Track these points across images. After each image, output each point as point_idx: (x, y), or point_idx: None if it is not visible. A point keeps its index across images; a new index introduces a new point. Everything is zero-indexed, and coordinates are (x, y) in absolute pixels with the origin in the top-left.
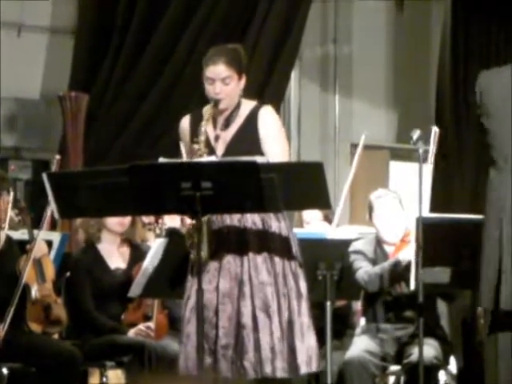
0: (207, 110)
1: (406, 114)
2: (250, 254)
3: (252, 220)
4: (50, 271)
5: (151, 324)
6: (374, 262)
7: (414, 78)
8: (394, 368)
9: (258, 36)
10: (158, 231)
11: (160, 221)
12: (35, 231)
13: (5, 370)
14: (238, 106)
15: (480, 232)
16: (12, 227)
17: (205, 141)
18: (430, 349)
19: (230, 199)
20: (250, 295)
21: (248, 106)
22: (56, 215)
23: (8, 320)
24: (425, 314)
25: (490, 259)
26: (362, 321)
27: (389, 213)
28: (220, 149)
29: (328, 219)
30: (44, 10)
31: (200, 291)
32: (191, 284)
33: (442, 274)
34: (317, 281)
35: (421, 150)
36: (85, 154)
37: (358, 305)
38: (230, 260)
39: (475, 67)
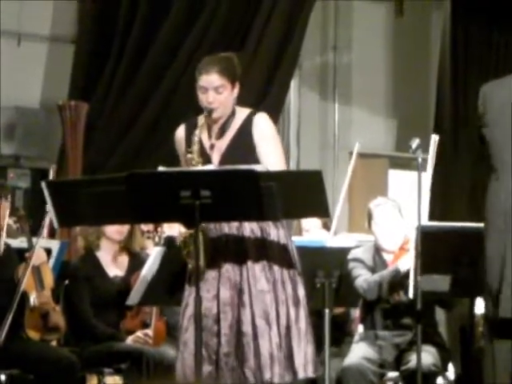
0: (201, 119)
1: (405, 123)
2: (249, 263)
3: (250, 228)
4: (48, 279)
5: (149, 331)
6: (372, 270)
7: (414, 87)
8: (392, 375)
9: (257, 44)
10: (156, 239)
11: (159, 229)
12: (34, 239)
13: (3, 377)
14: (232, 114)
15: (479, 240)
16: (11, 235)
17: (199, 150)
18: (428, 356)
19: (229, 207)
20: (250, 303)
21: (242, 113)
22: (55, 224)
23: (6, 327)
24: (423, 321)
25: (492, 267)
26: (360, 328)
27: (388, 221)
28: (215, 158)
29: (327, 227)
30: (44, 18)
31: (198, 299)
32: (189, 293)
33: (440, 282)
34: (315, 288)
35: (420, 159)
36: (84, 163)
37: (356, 312)
38: (228, 268)
39: (475, 75)
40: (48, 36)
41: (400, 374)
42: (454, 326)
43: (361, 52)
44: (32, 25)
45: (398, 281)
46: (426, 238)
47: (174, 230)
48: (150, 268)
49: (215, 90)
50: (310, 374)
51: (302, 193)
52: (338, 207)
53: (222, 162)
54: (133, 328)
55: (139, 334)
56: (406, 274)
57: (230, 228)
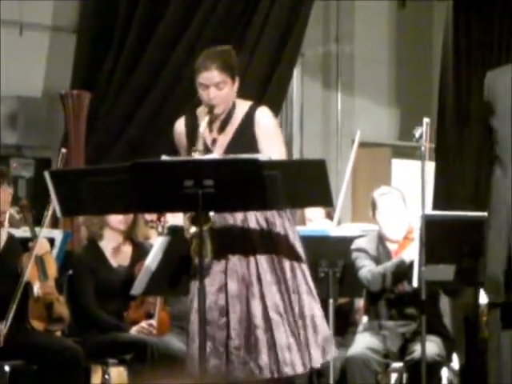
0: (202, 113)
1: (408, 112)
2: (256, 255)
3: (256, 219)
4: (52, 269)
5: (153, 321)
6: (376, 260)
7: (416, 76)
8: (397, 365)
9: (260, 34)
10: (160, 229)
11: (162, 219)
12: (37, 229)
13: (7, 368)
14: (233, 108)
15: (482, 229)
16: (14, 225)
17: (202, 153)
18: (432, 346)
19: (233, 197)
20: (260, 296)
21: (243, 106)
22: (58, 213)
23: (10, 317)
24: (427, 311)
25: (497, 256)
26: (365, 318)
27: (392, 210)
28: (217, 152)
29: (330, 216)
30: (45, 8)
31: (202, 292)
32: (193, 286)
33: (444, 271)
34: (319, 278)
35: (423, 147)
36: (86, 153)
37: (360, 302)
38: (235, 262)
39: (478, 64)
40: (50, 25)
41: (404, 363)
42: (459, 316)
43: (363, 42)
44: (34, 14)
45: (403, 271)
46: (430, 227)
47: (178, 219)
48: (153, 258)
49: (216, 86)
50: (329, 358)
51: (306, 182)
52: (341, 196)
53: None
54: (137, 318)
55: (143, 324)
56: (410, 264)
57: (235, 221)
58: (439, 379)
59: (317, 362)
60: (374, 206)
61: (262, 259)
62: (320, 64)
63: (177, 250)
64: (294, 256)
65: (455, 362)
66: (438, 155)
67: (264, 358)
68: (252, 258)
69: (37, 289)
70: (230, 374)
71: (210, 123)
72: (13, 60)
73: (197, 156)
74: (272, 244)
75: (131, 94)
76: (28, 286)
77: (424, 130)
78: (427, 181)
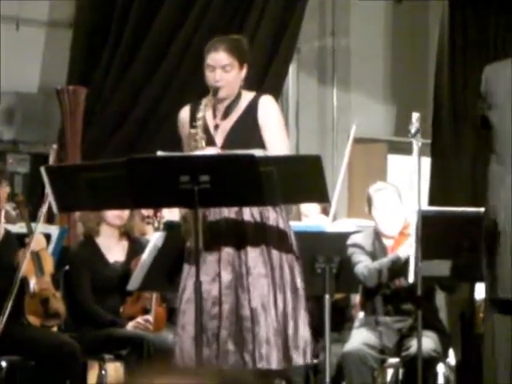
0: (206, 100)
1: (403, 107)
2: (248, 247)
3: (250, 212)
4: (48, 264)
5: (150, 317)
6: (372, 256)
7: (412, 71)
8: (393, 361)
9: (255, 29)
10: (156, 224)
11: (159, 214)
12: (33, 224)
13: (3, 363)
14: (238, 97)
15: (478, 224)
16: (10, 221)
17: (203, 128)
18: (428, 341)
19: (228, 193)
20: (248, 287)
21: (248, 96)
22: (54, 209)
23: (6, 313)
24: (423, 307)
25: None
26: (361, 314)
27: (388, 206)
28: (219, 138)
29: (326, 212)
30: (42, 3)
31: (198, 283)
32: (186, 274)
33: (440, 267)
34: (315, 274)
35: (417, 143)
36: (83, 148)
37: (356, 298)
38: (229, 252)
39: (473, 61)
40: (46, 21)
41: (400, 359)
42: (455, 311)
43: (359, 37)
44: (31, 9)
45: (399, 267)
46: (426, 222)
47: (174, 214)
48: (150, 253)
49: (223, 68)
50: (308, 361)
51: (301, 178)
52: (336, 192)
53: (226, 142)
54: (133, 314)
55: (140, 319)
56: (406, 260)
57: (229, 211)
58: (435, 375)
59: (295, 363)
60: (369, 202)
61: (254, 251)
62: (316, 60)
63: (173, 245)
64: (285, 251)
65: (451, 358)
66: (433, 151)
67: (248, 349)
68: (244, 250)
69: (33, 284)
70: (220, 365)
71: (214, 109)
72: (9, 55)
73: (194, 131)
74: (264, 237)
75: (127, 90)
76: (24, 282)
77: (414, 125)
78: (422, 177)
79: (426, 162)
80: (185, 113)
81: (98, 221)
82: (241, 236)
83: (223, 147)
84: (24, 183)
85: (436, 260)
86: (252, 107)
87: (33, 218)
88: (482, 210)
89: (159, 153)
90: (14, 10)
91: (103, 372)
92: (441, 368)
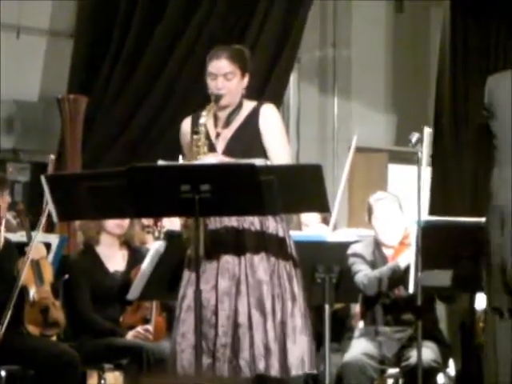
0: (209, 106)
1: (404, 117)
2: (248, 254)
3: (250, 220)
4: (48, 273)
5: (149, 327)
6: (372, 265)
7: (413, 81)
8: (393, 371)
9: (256, 38)
10: (156, 234)
11: (159, 223)
12: (34, 233)
13: (3, 373)
14: (239, 105)
15: (479, 234)
16: (10, 230)
17: (205, 135)
18: (428, 352)
19: (229, 202)
20: (247, 293)
21: (249, 105)
22: (54, 218)
23: (6, 322)
24: (423, 317)
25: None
26: (361, 323)
27: (388, 216)
28: (220, 146)
29: (326, 222)
30: (43, 12)
31: (198, 291)
32: (186, 282)
33: (441, 277)
34: (315, 283)
35: (420, 153)
36: (83, 157)
37: (356, 307)
38: (228, 260)
39: (475, 69)
40: (47, 29)
41: (400, 369)
42: (455, 321)
43: (360, 47)
44: (31, 18)
45: (398, 275)
46: (427, 232)
47: (174, 224)
48: (150, 263)
49: (224, 76)
50: (306, 371)
51: (302, 187)
52: (337, 201)
53: (227, 150)
54: (133, 323)
55: (139, 329)
56: (406, 269)
57: (229, 220)
58: None
59: (293, 372)
60: (370, 211)
61: (254, 257)
62: (317, 69)
63: (173, 254)
64: (284, 260)
65: (451, 368)
66: (434, 161)
67: (245, 356)
68: (243, 257)
69: (33, 293)
70: (217, 373)
71: (215, 118)
72: (10, 64)
73: (196, 137)
74: (264, 245)
75: (128, 99)
76: (24, 291)
77: (424, 140)
78: (423, 186)
79: (427, 171)
80: (186, 124)
81: (98, 230)
82: (241, 245)
83: (224, 155)
84: (24, 192)
85: (436, 270)
86: (253, 116)
87: (33, 226)
88: (483, 220)
89: (160, 162)
90: (15, 18)
91: (102, 381)
92: (441, 378)
